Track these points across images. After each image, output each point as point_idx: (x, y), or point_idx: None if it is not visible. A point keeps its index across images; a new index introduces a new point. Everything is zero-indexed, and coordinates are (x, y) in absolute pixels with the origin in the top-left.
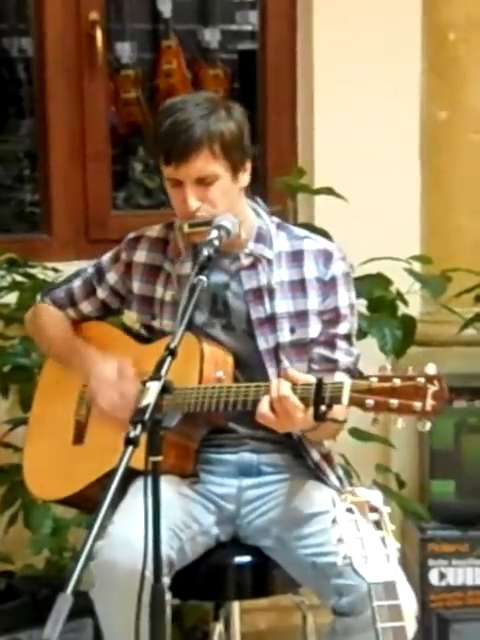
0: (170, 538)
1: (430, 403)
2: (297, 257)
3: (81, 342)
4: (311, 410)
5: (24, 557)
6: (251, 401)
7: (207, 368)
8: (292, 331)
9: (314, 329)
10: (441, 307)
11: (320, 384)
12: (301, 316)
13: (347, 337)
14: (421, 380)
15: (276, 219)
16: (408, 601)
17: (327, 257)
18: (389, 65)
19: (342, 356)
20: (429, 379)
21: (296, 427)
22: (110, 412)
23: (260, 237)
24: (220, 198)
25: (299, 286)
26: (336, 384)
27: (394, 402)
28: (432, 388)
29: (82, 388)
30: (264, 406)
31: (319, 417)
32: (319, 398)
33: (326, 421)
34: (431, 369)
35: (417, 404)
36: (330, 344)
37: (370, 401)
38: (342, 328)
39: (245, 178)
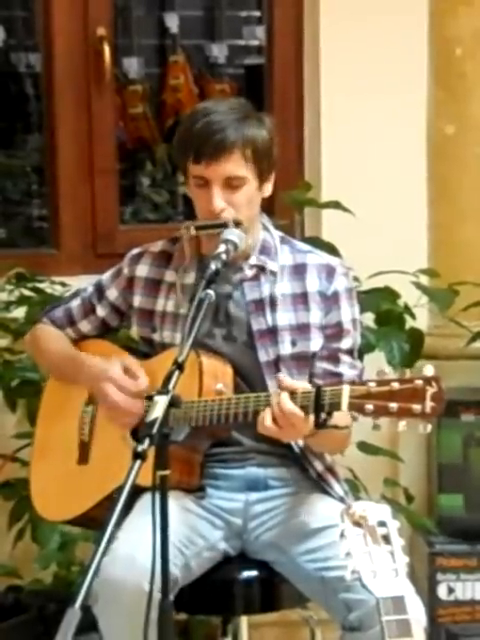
0: (174, 555)
1: (429, 405)
2: (300, 271)
3: (83, 354)
4: (312, 418)
5: (32, 572)
6: (252, 412)
7: (206, 381)
8: (293, 344)
9: (315, 343)
10: (448, 321)
11: (319, 391)
12: (303, 329)
13: (350, 352)
14: (419, 382)
15: (280, 233)
16: (418, 615)
17: (329, 272)
18: (396, 80)
19: (346, 369)
20: (427, 381)
21: (299, 436)
22: (119, 410)
23: (265, 249)
24: (245, 204)
25: (301, 299)
26: (335, 390)
27: (393, 405)
28: (431, 390)
29: (83, 408)
30: (267, 420)
31: (320, 425)
32: (319, 405)
33: (328, 428)
34: (429, 371)
35: (416, 406)
36: (333, 358)
37: (369, 406)
38: (345, 343)
39: (268, 188)
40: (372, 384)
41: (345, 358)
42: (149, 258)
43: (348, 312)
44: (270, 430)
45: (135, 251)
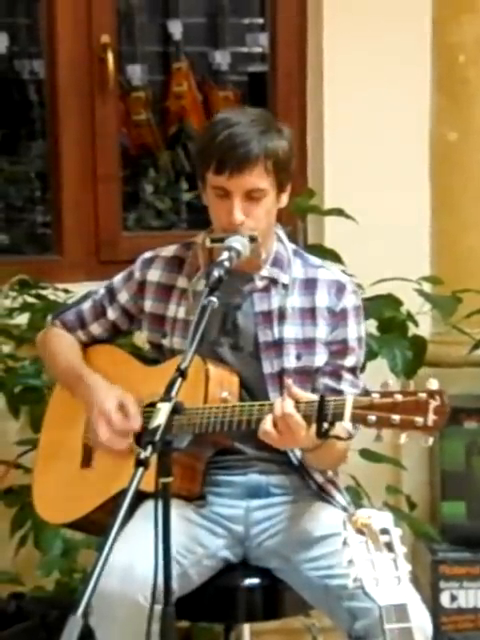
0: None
1: (432, 418)
2: (310, 285)
3: (88, 371)
4: (314, 427)
5: (34, 579)
6: (255, 420)
7: (212, 389)
8: (298, 358)
9: (320, 358)
10: (451, 328)
11: (323, 401)
12: (309, 344)
13: (353, 370)
14: (423, 395)
15: (293, 246)
16: (423, 623)
17: (340, 288)
18: (399, 86)
19: (347, 387)
20: (431, 394)
21: (298, 445)
22: (105, 446)
23: (277, 262)
24: (264, 216)
25: (309, 314)
26: (338, 400)
27: (396, 418)
28: (434, 403)
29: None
30: (267, 424)
31: (322, 434)
32: (322, 415)
33: (329, 438)
34: (433, 384)
35: (419, 419)
36: (336, 375)
37: (372, 417)
38: (349, 361)
39: (284, 199)
40: (375, 395)
41: (347, 376)
42: (161, 263)
43: (354, 330)
44: (269, 435)
45: (147, 255)
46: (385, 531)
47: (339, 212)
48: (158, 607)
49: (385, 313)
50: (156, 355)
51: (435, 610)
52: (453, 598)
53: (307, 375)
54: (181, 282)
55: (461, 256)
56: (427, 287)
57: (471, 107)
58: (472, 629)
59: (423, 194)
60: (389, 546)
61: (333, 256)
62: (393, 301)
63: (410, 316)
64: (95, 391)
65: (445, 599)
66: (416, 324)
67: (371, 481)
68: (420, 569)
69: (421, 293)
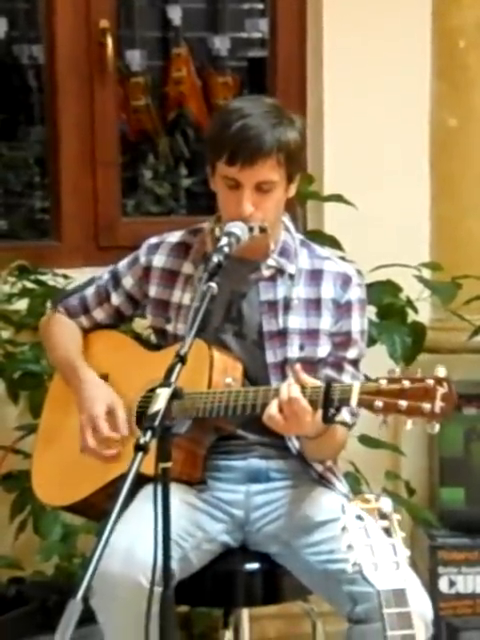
0: (172, 548)
1: (439, 405)
2: (316, 276)
3: (83, 364)
4: (319, 413)
5: (34, 563)
6: (260, 405)
7: (216, 374)
8: (301, 348)
9: (323, 349)
10: (451, 314)
11: (329, 386)
12: (312, 334)
13: (355, 362)
14: (430, 382)
15: (300, 236)
16: (422, 608)
17: (345, 280)
18: (399, 72)
19: (349, 379)
20: (438, 381)
21: (303, 430)
22: (91, 453)
23: (284, 251)
24: (273, 207)
25: (314, 305)
26: (345, 385)
27: (403, 404)
28: (441, 390)
29: None
30: (272, 408)
31: (328, 419)
32: (328, 400)
33: (335, 423)
34: (441, 372)
35: (426, 406)
36: (338, 366)
37: (379, 403)
38: (351, 353)
39: (293, 189)
40: (383, 381)
41: (349, 368)
42: (166, 248)
43: (358, 323)
44: (274, 419)
45: (153, 240)
46: (384, 516)
47: (338, 198)
48: (159, 589)
49: (384, 299)
50: (159, 340)
51: (433, 595)
52: (451, 583)
53: (310, 366)
54: (186, 268)
55: (461, 242)
56: (426, 273)
57: (471, 93)
58: (470, 614)
59: (423, 180)
60: (388, 531)
61: (332, 242)
62: (392, 287)
63: (409, 302)
64: (86, 390)
65: (443, 584)
66: (415, 310)
67: (370, 467)
68: (419, 554)
69: (420, 279)
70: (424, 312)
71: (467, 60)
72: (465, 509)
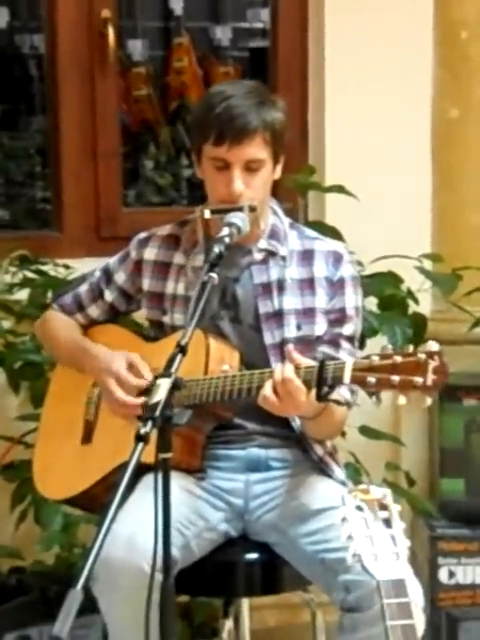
0: (174, 536)
1: (431, 377)
2: (307, 256)
3: (91, 343)
4: (313, 393)
5: (34, 553)
6: (256, 388)
7: (213, 363)
8: (298, 328)
9: (320, 327)
10: (452, 305)
11: (322, 365)
12: (308, 313)
13: (351, 338)
14: (422, 356)
15: (288, 219)
16: (416, 597)
17: (337, 258)
18: (401, 63)
19: (345, 356)
20: (430, 355)
21: (299, 411)
22: (119, 403)
23: (274, 234)
24: (261, 186)
25: (308, 284)
26: (338, 363)
27: (395, 378)
28: (433, 363)
29: (90, 389)
30: (267, 389)
31: (322, 397)
32: (321, 378)
33: (329, 402)
34: (432, 346)
35: (418, 379)
36: (334, 343)
37: (371, 379)
38: (347, 329)
39: (278, 170)
40: (375, 358)
41: (345, 344)
42: (157, 241)
43: (352, 299)
44: (269, 400)
45: (142, 235)
46: (384, 507)
47: (340, 189)
48: (160, 576)
49: (385, 290)
50: (157, 333)
51: (433, 586)
52: (451, 574)
53: (307, 344)
54: (178, 258)
55: (462, 233)
56: (427, 264)
57: (473, 84)
58: (470, 605)
59: (424, 171)
60: (388, 522)
61: (334, 233)
62: (393, 278)
63: (410, 293)
64: (102, 358)
65: (443, 575)
66: (416, 302)
67: (370, 458)
68: (418, 545)
69: (421, 270)
70: (425, 303)
71: (469, 51)
72: (465, 500)
